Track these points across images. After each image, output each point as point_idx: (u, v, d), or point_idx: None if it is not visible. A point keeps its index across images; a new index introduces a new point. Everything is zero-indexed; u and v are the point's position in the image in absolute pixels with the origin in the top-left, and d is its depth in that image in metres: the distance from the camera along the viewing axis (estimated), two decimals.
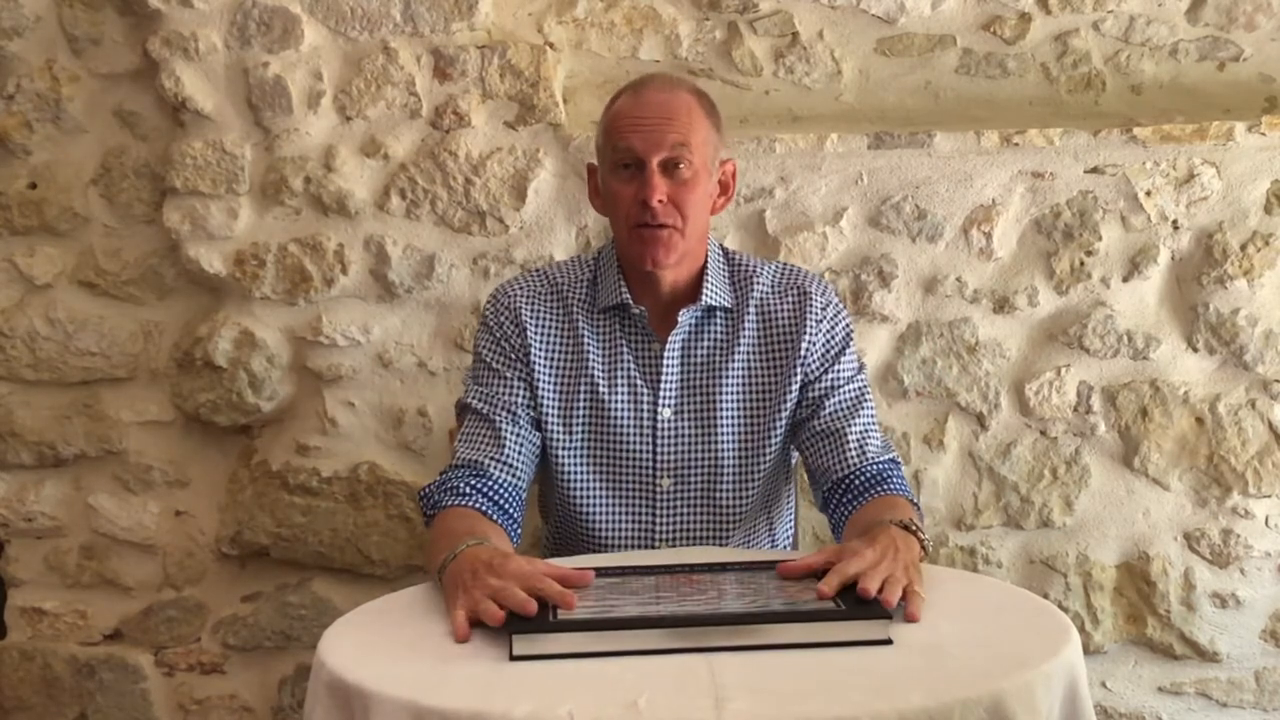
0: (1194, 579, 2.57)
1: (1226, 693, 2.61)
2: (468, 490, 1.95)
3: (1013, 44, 2.63)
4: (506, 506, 1.97)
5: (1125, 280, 2.55)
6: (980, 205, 2.54)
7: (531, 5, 2.61)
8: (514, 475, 2.00)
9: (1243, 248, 2.52)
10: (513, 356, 2.06)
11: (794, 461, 2.18)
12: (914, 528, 1.76)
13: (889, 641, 1.47)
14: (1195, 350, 2.55)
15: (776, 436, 2.06)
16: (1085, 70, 2.64)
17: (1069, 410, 2.56)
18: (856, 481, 1.99)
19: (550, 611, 1.55)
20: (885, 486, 1.98)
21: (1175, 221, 2.53)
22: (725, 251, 2.15)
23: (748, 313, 2.08)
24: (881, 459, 2.02)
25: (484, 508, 1.94)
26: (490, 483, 1.97)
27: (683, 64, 2.63)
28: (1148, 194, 2.52)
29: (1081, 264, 2.54)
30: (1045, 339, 2.56)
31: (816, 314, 2.08)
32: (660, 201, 1.96)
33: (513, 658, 1.45)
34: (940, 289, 2.55)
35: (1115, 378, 2.56)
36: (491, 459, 2.00)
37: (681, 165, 1.98)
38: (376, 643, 1.57)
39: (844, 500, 2.00)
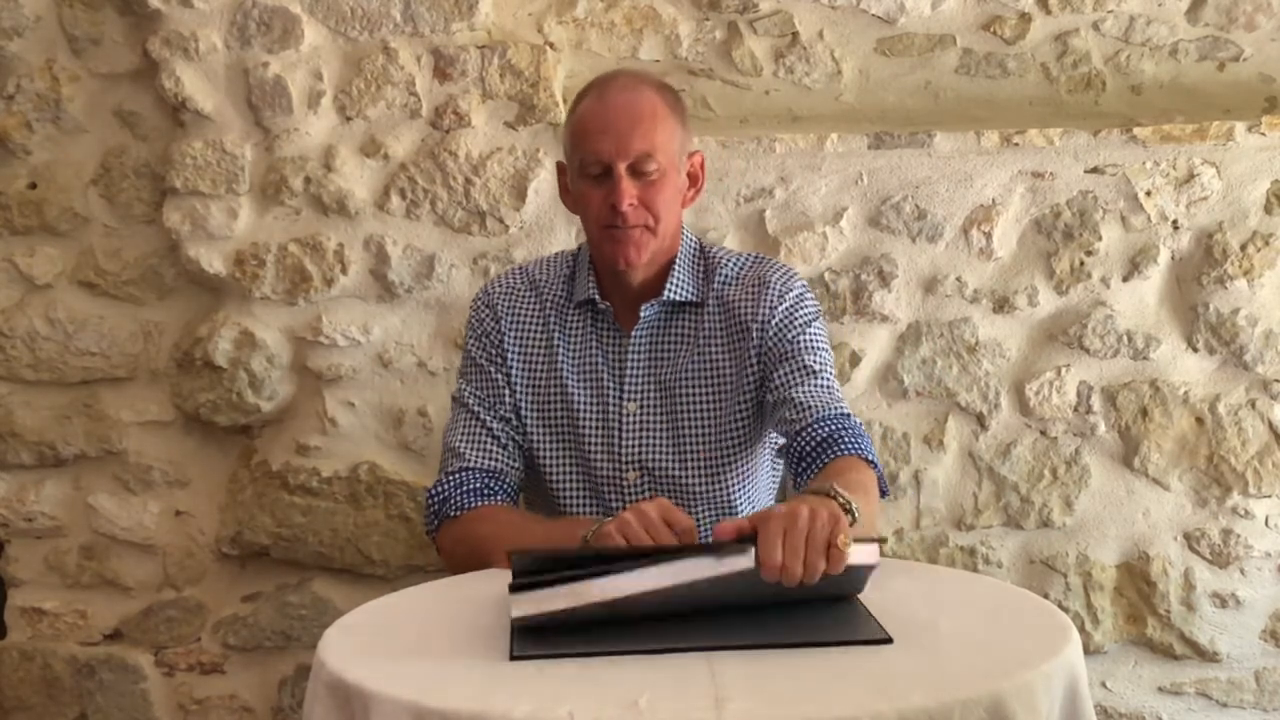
0: (1194, 579, 2.57)
1: (1226, 693, 2.61)
2: (487, 491, 2.03)
3: (1013, 44, 2.63)
4: (516, 502, 2.06)
5: (1125, 280, 2.55)
6: (980, 205, 2.54)
7: (531, 5, 2.61)
8: (515, 472, 2.08)
9: (1243, 248, 2.52)
10: (494, 353, 2.11)
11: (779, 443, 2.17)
12: (841, 500, 1.63)
13: (889, 641, 1.47)
14: (1195, 350, 2.55)
15: (743, 425, 2.06)
16: (1085, 70, 2.64)
17: (1069, 410, 2.56)
18: (805, 445, 1.93)
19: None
20: (835, 449, 1.91)
21: (1175, 221, 2.53)
22: (701, 246, 2.16)
23: (709, 305, 2.09)
24: (829, 414, 1.95)
25: (506, 505, 2.05)
26: (501, 481, 2.06)
27: (683, 64, 2.63)
28: (1148, 194, 2.52)
29: (1081, 264, 2.54)
30: (1045, 339, 2.56)
31: (772, 300, 2.06)
32: (630, 205, 1.98)
33: (513, 657, 1.45)
34: (940, 289, 2.55)
35: (1115, 378, 2.56)
36: (495, 458, 2.06)
37: (649, 169, 1.99)
38: (376, 643, 1.58)
39: (799, 469, 1.95)
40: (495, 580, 1.76)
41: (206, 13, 2.51)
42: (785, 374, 2.01)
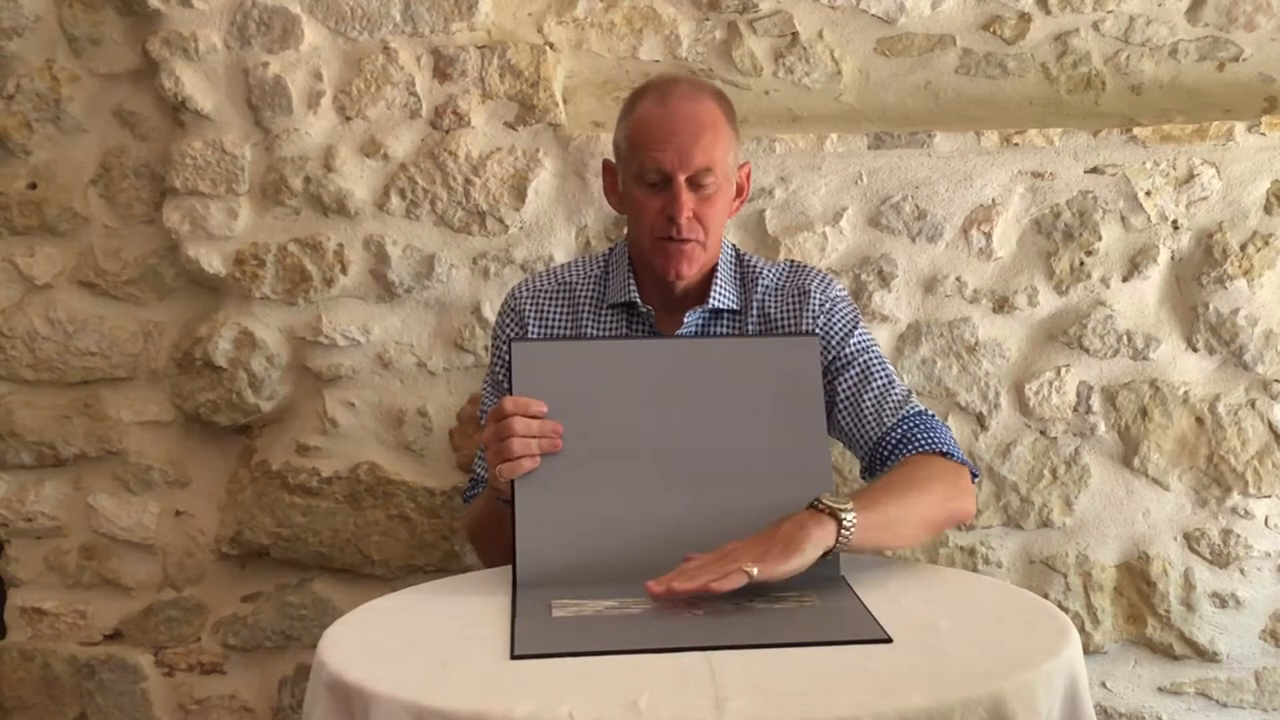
0: (1194, 579, 2.57)
1: (1226, 693, 2.61)
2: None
3: (1013, 44, 2.63)
4: None
5: (1125, 280, 2.55)
6: (980, 205, 2.54)
7: (531, 5, 2.61)
8: None
9: (1243, 248, 2.52)
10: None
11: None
12: (823, 507, 1.68)
13: (889, 641, 1.47)
14: (1195, 350, 2.55)
15: None
16: (1085, 70, 2.64)
17: (1069, 410, 2.56)
18: (884, 450, 1.99)
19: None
20: (910, 447, 1.96)
21: (1175, 221, 2.53)
22: (738, 253, 2.18)
23: (751, 315, 2.09)
24: (901, 415, 2.00)
25: None
26: None
27: (683, 64, 2.63)
28: (1148, 194, 2.52)
29: (1081, 264, 2.54)
30: (1045, 339, 2.56)
31: (813, 309, 2.09)
32: (687, 218, 1.99)
33: (513, 657, 1.45)
34: (940, 289, 2.55)
35: (1115, 378, 2.56)
36: None
37: (707, 182, 2.01)
38: (376, 643, 1.58)
39: (878, 472, 2.00)
40: (495, 581, 1.77)
41: (206, 13, 2.51)
42: (848, 381, 2.04)
